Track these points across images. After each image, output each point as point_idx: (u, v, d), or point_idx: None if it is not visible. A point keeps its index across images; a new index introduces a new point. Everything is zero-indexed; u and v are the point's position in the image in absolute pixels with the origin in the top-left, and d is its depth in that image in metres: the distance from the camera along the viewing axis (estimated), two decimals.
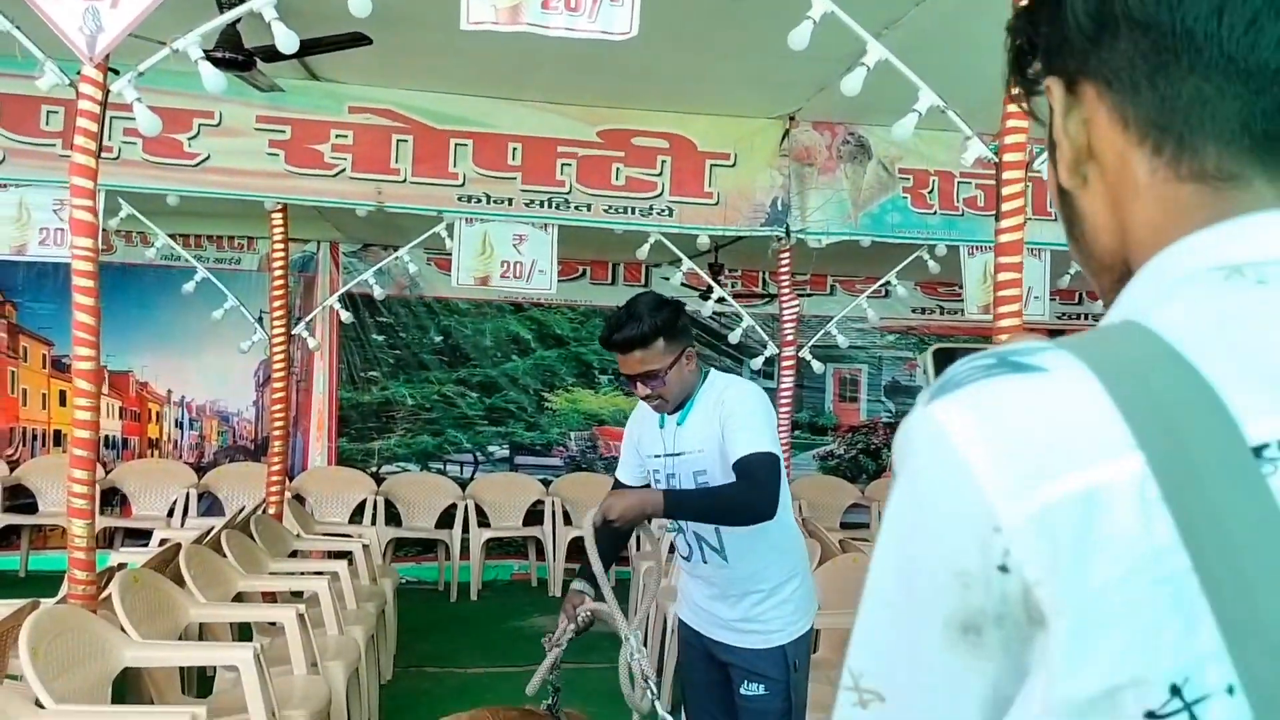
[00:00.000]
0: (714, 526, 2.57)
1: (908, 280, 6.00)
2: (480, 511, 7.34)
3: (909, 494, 0.60)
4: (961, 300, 5.38)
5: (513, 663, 4.64)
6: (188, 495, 6.88)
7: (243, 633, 4.20)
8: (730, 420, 2.51)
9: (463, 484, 7.55)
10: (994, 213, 3.23)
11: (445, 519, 7.32)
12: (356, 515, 7.17)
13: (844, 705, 0.64)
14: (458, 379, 7.78)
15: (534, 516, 7.40)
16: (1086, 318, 7.87)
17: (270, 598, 4.52)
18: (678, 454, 2.63)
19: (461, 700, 3.53)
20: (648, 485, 2.79)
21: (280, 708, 3.10)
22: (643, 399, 2.66)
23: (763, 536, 2.53)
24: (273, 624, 3.97)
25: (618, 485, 2.88)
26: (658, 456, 2.69)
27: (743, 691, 2.63)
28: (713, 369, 2.72)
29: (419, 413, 7.73)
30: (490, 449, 7.83)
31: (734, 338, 5.91)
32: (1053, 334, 0.62)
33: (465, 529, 7.21)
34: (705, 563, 2.64)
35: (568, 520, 7.37)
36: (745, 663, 2.63)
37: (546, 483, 7.63)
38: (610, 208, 5.15)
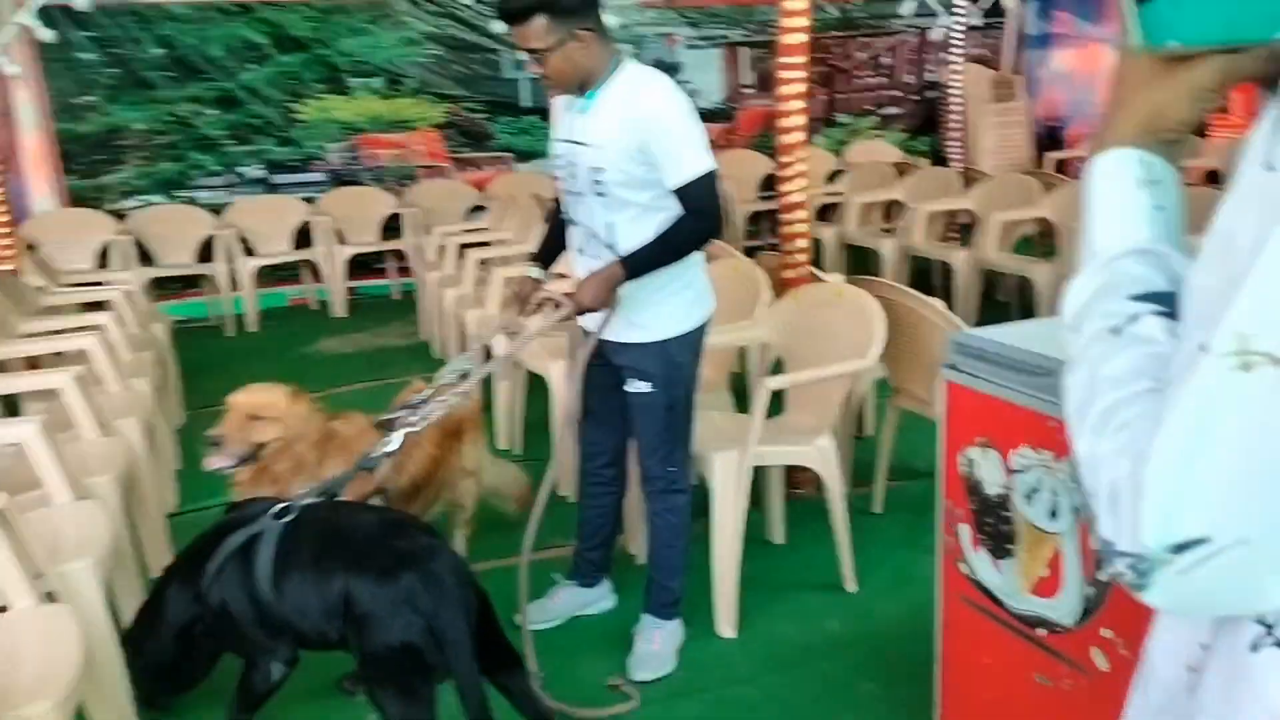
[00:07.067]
0: (605, 222, 2.54)
1: None
2: (243, 240, 6.87)
3: None
4: None
5: (315, 387, 4.50)
6: None
7: (7, 406, 3.84)
8: (661, 140, 2.41)
9: (218, 210, 6.98)
10: None
11: (205, 252, 6.81)
12: (102, 261, 6.57)
13: (1214, 371, 0.62)
14: (190, 96, 6.96)
15: (303, 238, 7.01)
16: None
17: (32, 364, 4.13)
18: (580, 143, 2.53)
19: None
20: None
21: (82, 476, 2.89)
22: (534, 74, 2.55)
23: (654, 230, 2.49)
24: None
25: None
26: (564, 141, 2.59)
27: (628, 389, 2.66)
28: (629, 59, 2.53)
29: (151, 138, 6.93)
30: (241, 170, 7.20)
31: None
32: None
33: (230, 259, 6.77)
34: (597, 259, 2.58)
35: (341, 240, 7.04)
36: (631, 361, 2.64)
37: (310, 200, 7.18)
38: None
